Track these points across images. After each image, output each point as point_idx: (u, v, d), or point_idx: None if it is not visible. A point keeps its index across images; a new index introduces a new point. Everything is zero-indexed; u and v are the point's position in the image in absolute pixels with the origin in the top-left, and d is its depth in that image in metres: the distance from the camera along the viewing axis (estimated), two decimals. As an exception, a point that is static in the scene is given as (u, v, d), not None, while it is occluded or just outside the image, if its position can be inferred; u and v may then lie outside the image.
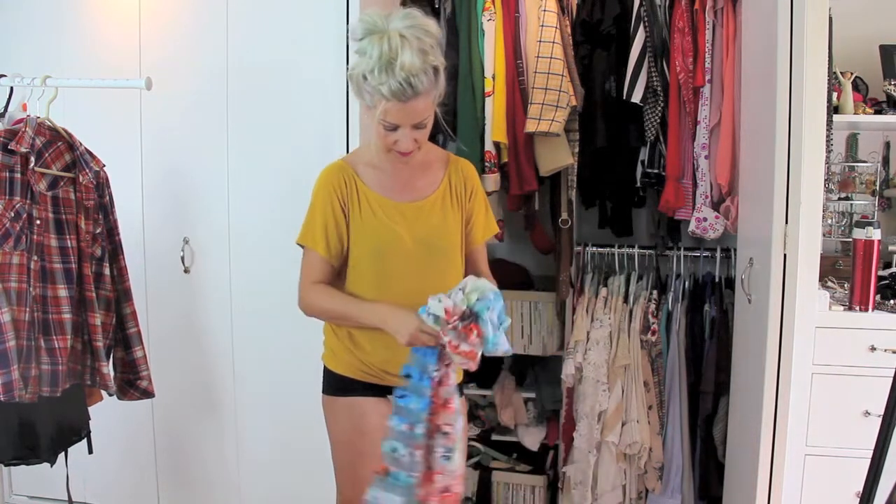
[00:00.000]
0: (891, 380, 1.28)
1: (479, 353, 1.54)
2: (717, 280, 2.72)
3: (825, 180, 2.24)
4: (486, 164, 2.60)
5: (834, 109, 2.49)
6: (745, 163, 2.40)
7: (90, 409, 2.30)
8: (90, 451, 2.29)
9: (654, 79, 2.58)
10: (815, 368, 2.11)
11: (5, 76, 2.21)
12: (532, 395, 2.97)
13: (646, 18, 2.57)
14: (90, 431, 2.29)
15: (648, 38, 2.57)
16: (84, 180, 2.11)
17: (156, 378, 2.33)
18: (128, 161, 2.55)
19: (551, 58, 2.49)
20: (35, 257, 2.01)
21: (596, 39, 2.66)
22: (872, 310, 2.17)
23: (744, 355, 2.34)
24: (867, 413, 2.09)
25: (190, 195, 2.58)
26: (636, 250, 2.80)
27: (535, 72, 2.51)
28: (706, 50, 2.54)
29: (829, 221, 2.67)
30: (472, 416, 3.01)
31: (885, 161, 2.74)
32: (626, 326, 2.67)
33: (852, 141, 2.76)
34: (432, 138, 1.78)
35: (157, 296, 2.61)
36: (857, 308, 2.17)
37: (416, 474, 1.51)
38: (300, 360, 2.17)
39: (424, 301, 1.59)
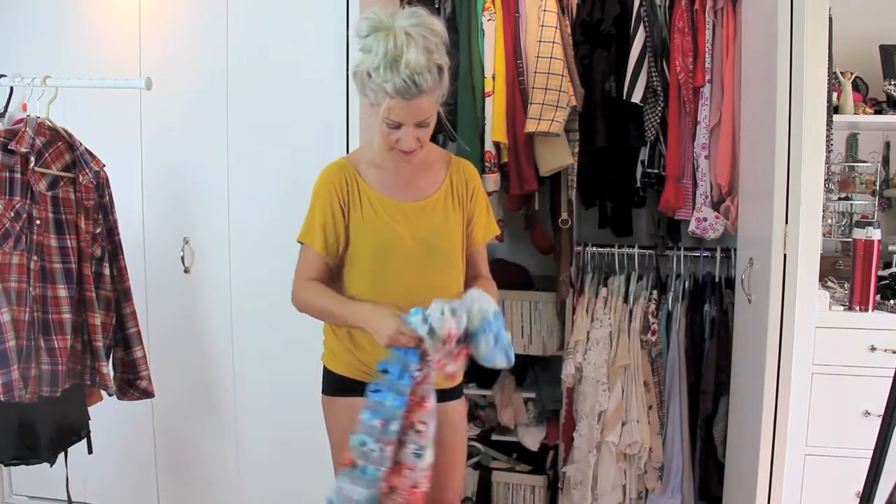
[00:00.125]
0: (891, 380, 1.28)
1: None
2: (717, 280, 2.71)
3: (825, 180, 2.24)
4: (486, 164, 2.60)
5: (834, 109, 2.49)
6: (745, 163, 2.40)
7: (90, 409, 2.30)
8: (90, 451, 2.29)
9: (654, 79, 2.58)
10: (815, 368, 2.11)
11: (5, 76, 2.21)
12: (532, 395, 2.97)
13: (646, 18, 2.57)
14: (90, 431, 2.29)
15: (648, 38, 2.57)
16: (84, 180, 2.11)
17: (156, 378, 2.33)
18: (128, 161, 2.56)
19: (551, 58, 2.49)
20: (35, 257, 2.01)
21: (596, 39, 2.66)
22: (872, 310, 2.17)
23: (744, 355, 2.34)
24: (867, 413, 2.09)
25: (190, 195, 2.58)
26: (636, 250, 2.80)
27: (535, 72, 2.51)
28: (706, 50, 2.53)
29: (829, 221, 2.67)
30: (472, 416, 3.01)
31: (885, 161, 2.74)
32: (626, 326, 2.67)
33: (852, 141, 2.76)
34: (432, 138, 1.78)
35: (157, 296, 2.61)
36: (857, 308, 2.17)
37: (383, 469, 1.51)
38: (300, 360, 2.17)
39: (423, 301, 1.59)
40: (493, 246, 1.92)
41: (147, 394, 2.30)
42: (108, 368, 2.19)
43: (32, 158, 2.01)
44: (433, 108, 1.62)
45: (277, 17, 2.46)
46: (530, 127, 2.48)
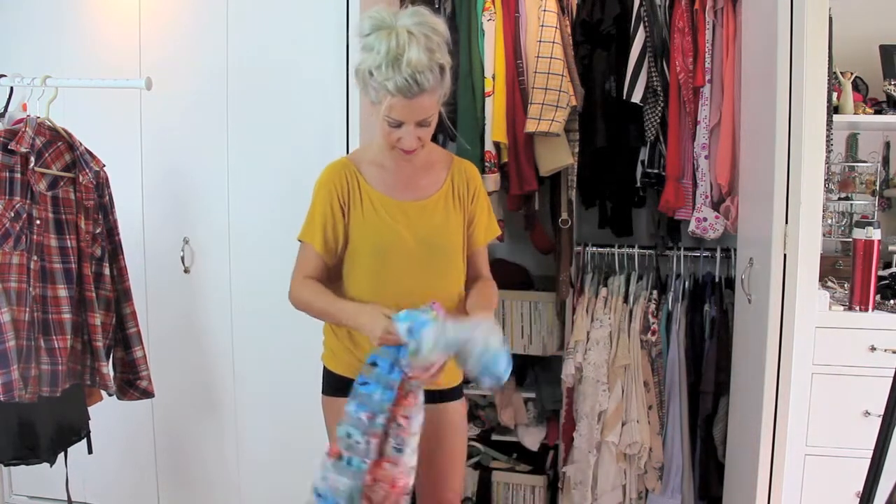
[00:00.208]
0: (891, 380, 1.28)
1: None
2: (717, 280, 2.71)
3: (825, 180, 2.23)
4: (486, 164, 2.60)
5: (834, 109, 2.49)
6: (745, 163, 2.40)
7: (90, 409, 2.30)
8: (90, 451, 2.29)
9: (654, 79, 2.58)
10: (815, 368, 2.11)
11: (5, 76, 2.21)
12: (532, 395, 2.97)
13: (646, 18, 2.57)
14: (90, 431, 2.29)
15: (648, 38, 2.57)
16: (84, 180, 2.11)
17: (156, 378, 2.33)
18: (128, 161, 2.55)
19: (551, 58, 2.49)
20: (35, 257, 2.01)
21: (596, 39, 2.66)
22: (872, 310, 2.17)
23: (744, 355, 2.34)
24: (867, 413, 2.09)
25: (190, 195, 2.58)
26: (636, 250, 2.80)
27: (535, 72, 2.51)
28: (706, 50, 2.53)
29: (829, 221, 2.67)
30: (472, 416, 3.01)
31: (885, 161, 2.74)
32: (626, 326, 2.67)
33: (852, 141, 2.76)
34: (433, 139, 1.78)
35: (157, 296, 2.61)
36: (857, 308, 2.17)
37: (368, 461, 1.52)
38: (300, 360, 2.17)
39: (422, 302, 1.59)
40: (493, 246, 1.92)
41: (147, 394, 2.30)
42: (108, 368, 2.19)
43: (32, 158, 2.01)
44: (434, 108, 1.62)
45: (277, 17, 2.46)
46: (530, 127, 2.48)
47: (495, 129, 2.57)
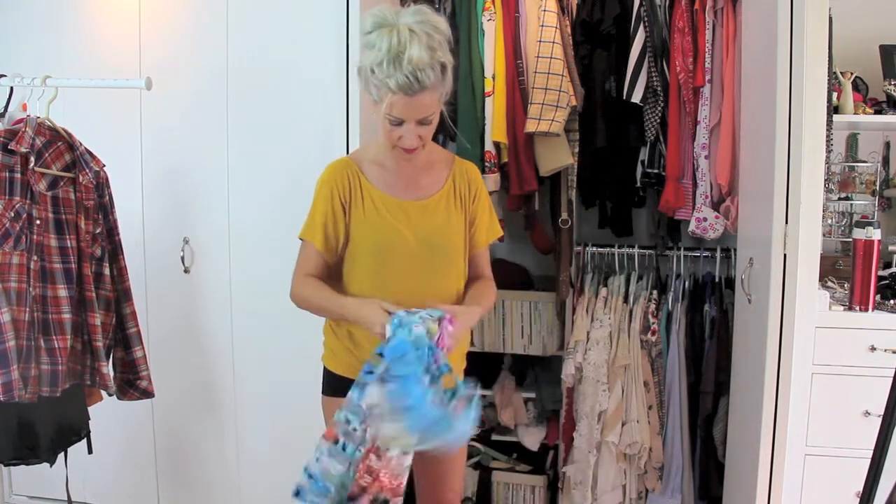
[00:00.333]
0: (891, 380, 1.28)
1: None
2: (717, 280, 2.71)
3: (825, 180, 2.23)
4: (486, 164, 2.60)
5: (834, 109, 2.49)
6: (745, 163, 2.40)
7: (90, 409, 2.30)
8: (90, 451, 2.29)
9: (654, 79, 2.58)
10: (815, 368, 2.11)
11: (5, 76, 2.21)
12: (532, 395, 2.97)
13: (646, 18, 2.57)
14: (90, 431, 2.29)
15: (648, 38, 2.57)
16: (84, 180, 2.11)
17: (156, 378, 2.33)
18: (128, 161, 2.56)
19: (551, 58, 2.49)
20: (35, 257, 2.01)
21: (596, 39, 2.66)
22: (872, 310, 2.17)
23: (744, 355, 2.34)
24: (867, 413, 2.09)
25: (190, 195, 2.58)
26: (636, 250, 2.80)
27: (535, 72, 2.51)
28: (706, 50, 2.53)
29: (829, 221, 2.67)
30: (472, 416, 3.01)
31: (885, 161, 2.74)
32: (626, 326, 2.66)
33: (852, 141, 2.76)
34: (433, 139, 1.78)
35: (157, 296, 2.61)
36: (857, 308, 2.17)
37: (363, 449, 1.51)
38: (300, 360, 2.17)
39: (422, 302, 1.59)
40: (493, 246, 1.92)
41: (147, 394, 2.30)
42: (108, 368, 2.19)
43: (32, 158, 2.01)
44: (435, 106, 1.63)
45: (277, 17, 2.46)
46: (530, 127, 2.48)
47: (495, 129, 2.57)
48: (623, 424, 2.60)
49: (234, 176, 2.53)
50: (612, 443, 2.59)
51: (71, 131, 2.14)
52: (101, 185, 2.17)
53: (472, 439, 2.95)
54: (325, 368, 1.83)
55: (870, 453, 1.31)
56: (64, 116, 2.17)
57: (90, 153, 2.16)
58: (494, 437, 3.03)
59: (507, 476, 2.90)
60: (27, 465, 2.17)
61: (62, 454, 2.23)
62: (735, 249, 2.57)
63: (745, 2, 2.39)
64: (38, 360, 2.03)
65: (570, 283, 2.75)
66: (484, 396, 3.04)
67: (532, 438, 2.95)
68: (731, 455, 2.47)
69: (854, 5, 2.59)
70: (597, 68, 2.67)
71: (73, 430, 2.25)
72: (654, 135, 2.62)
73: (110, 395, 2.24)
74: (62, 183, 2.09)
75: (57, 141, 2.10)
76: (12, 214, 1.98)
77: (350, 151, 2.21)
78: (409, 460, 1.56)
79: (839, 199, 2.71)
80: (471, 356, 1.94)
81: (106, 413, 2.36)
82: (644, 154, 2.69)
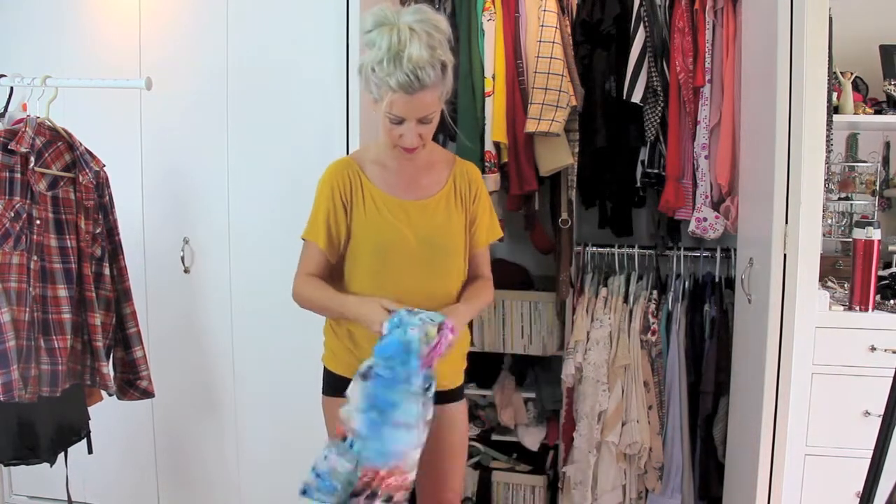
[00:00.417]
0: (891, 380, 1.28)
1: None
2: (717, 280, 2.71)
3: (825, 180, 2.23)
4: (486, 164, 2.60)
5: (834, 109, 2.49)
6: (745, 163, 2.40)
7: (90, 409, 2.30)
8: (90, 451, 2.29)
9: (654, 79, 2.58)
10: (815, 368, 2.11)
11: (5, 76, 2.21)
12: (532, 395, 2.97)
13: (646, 18, 2.57)
14: (90, 431, 2.29)
15: (648, 38, 2.57)
16: (84, 180, 2.11)
17: (156, 378, 2.33)
18: (128, 161, 2.55)
19: (551, 58, 2.49)
20: (35, 257, 2.01)
21: (596, 39, 2.66)
22: (872, 310, 2.17)
23: (744, 355, 2.34)
24: (867, 413, 2.09)
25: (190, 195, 2.58)
26: (636, 250, 2.80)
27: (535, 72, 2.51)
28: (706, 50, 2.53)
29: (829, 221, 2.67)
30: (472, 416, 3.01)
31: (885, 161, 2.74)
32: (626, 326, 2.66)
33: (852, 141, 2.76)
34: (433, 138, 1.78)
35: (157, 296, 2.61)
36: (857, 308, 2.17)
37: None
38: (300, 360, 2.17)
39: (424, 301, 1.59)
40: (493, 246, 1.92)
41: (147, 394, 2.30)
42: (108, 368, 2.19)
43: (32, 158, 2.01)
44: (436, 105, 1.63)
45: (277, 17, 2.46)
46: (530, 127, 2.48)
47: (495, 129, 2.57)
48: (623, 424, 2.60)
49: (234, 176, 2.53)
50: (612, 443, 2.59)
51: (71, 131, 2.14)
52: (101, 185, 2.17)
53: (472, 439, 2.95)
54: (325, 368, 1.83)
55: (870, 453, 1.31)
56: (64, 116, 2.17)
57: (90, 153, 2.16)
58: (494, 437, 3.03)
59: (507, 476, 2.90)
60: (27, 465, 2.17)
61: (62, 454, 2.23)
62: (735, 249, 2.57)
63: (745, 2, 2.39)
64: (38, 360, 2.02)
65: (570, 283, 2.75)
66: (484, 396, 3.05)
67: (532, 438, 2.95)
68: (731, 455, 2.47)
69: (854, 5, 2.59)
70: (597, 68, 2.67)
71: (74, 430, 2.25)
72: (654, 135, 2.62)
73: (110, 395, 2.24)
74: (62, 183, 2.09)
75: (57, 141, 2.10)
76: (12, 214, 1.98)
77: (350, 151, 2.21)
78: (415, 456, 1.56)
79: (839, 199, 2.71)
80: (471, 356, 1.94)
81: (106, 413, 2.36)
82: (644, 154, 2.69)
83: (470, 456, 2.90)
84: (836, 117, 2.50)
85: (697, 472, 2.63)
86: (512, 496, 2.89)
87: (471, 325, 2.05)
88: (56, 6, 2.60)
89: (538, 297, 2.88)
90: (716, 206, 2.60)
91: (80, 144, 2.14)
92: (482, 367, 2.93)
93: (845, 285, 2.34)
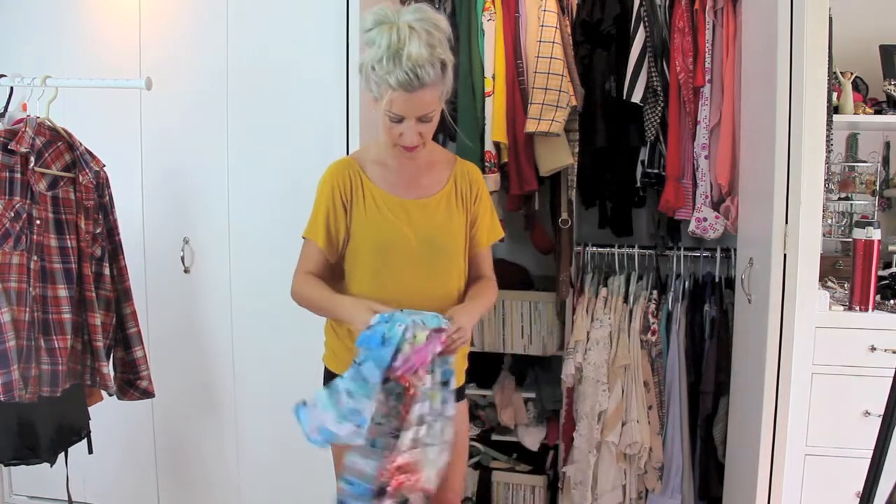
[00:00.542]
0: (891, 380, 1.28)
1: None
2: (717, 280, 2.71)
3: (825, 180, 2.23)
4: (486, 164, 2.60)
5: (834, 109, 2.49)
6: (745, 163, 2.40)
7: (90, 409, 2.30)
8: (90, 451, 2.29)
9: (654, 79, 2.58)
10: (815, 368, 2.11)
11: (5, 76, 2.21)
12: (532, 395, 2.97)
13: (646, 18, 2.57)
14: (90, 431, 2.29)
15: (648, 38, 2.57)
16: (84, 180, 2.11)
17: (156, 378, 2.33)
18: (128, 161, 2.55)
19: (551, 58, 2.49)
20: (35, 257, 2.01)
21: (596, 39, 2.66)
22: (872, 310, 2.17)
23: (744, 355, 2.34)
24: (867, 413, 2.09)
25: (190, 195, 2.58)
26: (636, 250, 2.80)
27: (535, 72, 2.51)
28: (706, 50, 2.53)
29: (829, 221, 2.67)
30: (472, 416, 3.01)
31: (885, 161, 2.74)
32: (626, 326, 2.66)
33: (852, 141, 2.76)
34: (433, 138, 1.78)
35: (157, 296, 2.61)
36: (857, 308, 2.17)
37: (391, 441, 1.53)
38: (300, 360, 2.17)
39: (424, 301, 1.59)
40: (493, 246, 1.92)
41: (147, 394, 2.30)
42: (108, 368, 2.19)
43: (32, 158, 2.01)
44: (436, 104, 1.63)
45: (277, 17, 2.46)
46: (530, 127, 2.48)
47: (495, 129, 2.57)
48: (623, 424, 2.60)
49: (234, 176, 2.53)
50: (612, 443, 2.59)
51: (71, 131, 2.14)
52: (101, 185, 2.17)
53: (472, 439, 2.95)
54: (325, 368, 1.83)
55: (870, 453, 1.31)
56: (64, 116, 2.17)
57: (90, 153, 2.16)
58: (494, 437, 3.03)
59: (507, 476, 2.90)
60: (27, 465, 2.17)
61: (62, 454, 2.23)
62: (735, 249, 2.57)
63: (745, 2, 2.39)
64: (38, 360, 2.03)
65: (570, 283, 2.75)
66: (484, 396, 3.05)
67: (532, 438, 2.95)
68: (731, 455, 2.47)
69: (854, 5, 2.59)
70: (597, 68, 2.67)
71: (74, 430, 2.25)
72: (654, 135, 2.62)
73: (110, 395, 2.24)
74: (62, 183, 2.09)
75: (57, 141, 2.10)
76: (12, 214, 1.98)
77: (350, 151, 2.21)
78: (429, 454, 1.57)
79: (839, 199, 2.71)
80: (471, 356, 1.94)
81: (106, 413, 2.36)
82: (644, 154, 2.69)
83: (470, 456, 2.90)
84: (836, 117, 2.50)
85: (697, 472, 2.63)
86: (512, 496, 2.89)
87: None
88: (56, 6, 2.61)
89: (538, 297, 2.88)
90: (716, 206, 2.60)
91: (80, 144, 2.14)
92: (482, 367, 2.93)
93: (845, 285, 2.34)
